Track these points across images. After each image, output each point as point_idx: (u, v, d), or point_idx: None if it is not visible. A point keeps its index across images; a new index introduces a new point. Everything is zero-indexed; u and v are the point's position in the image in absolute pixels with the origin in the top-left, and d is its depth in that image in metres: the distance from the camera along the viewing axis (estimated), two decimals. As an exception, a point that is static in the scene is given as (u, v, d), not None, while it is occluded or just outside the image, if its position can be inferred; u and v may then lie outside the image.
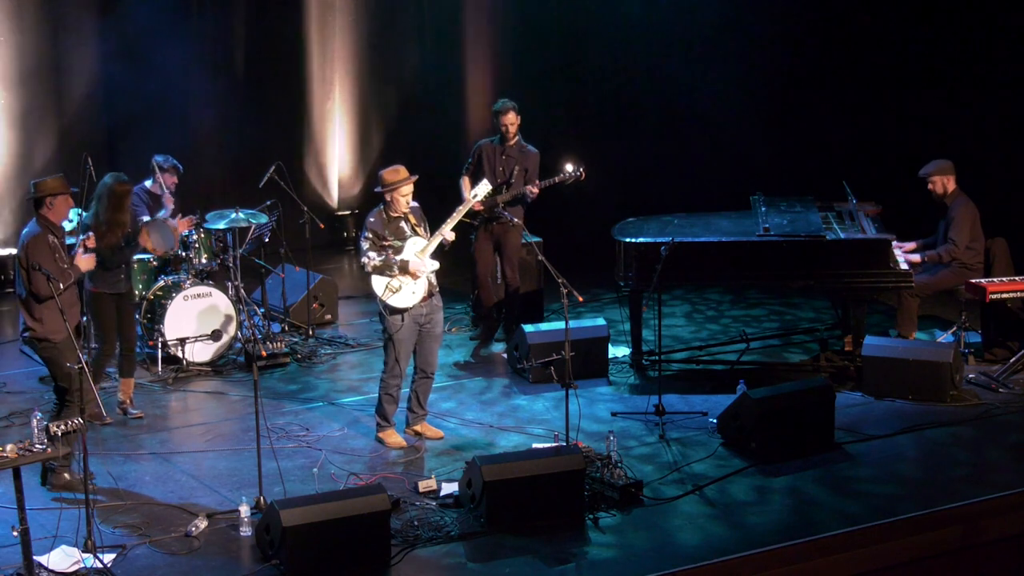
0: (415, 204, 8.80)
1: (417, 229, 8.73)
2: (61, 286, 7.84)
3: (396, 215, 8.67)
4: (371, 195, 14.73)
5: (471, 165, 10.81)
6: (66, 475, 8.03)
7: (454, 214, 8.90)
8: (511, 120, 10.66)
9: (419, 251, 8.64)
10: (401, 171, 8.66)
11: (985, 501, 7.93)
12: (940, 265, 10.39)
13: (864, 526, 7.61)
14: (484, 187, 9.27)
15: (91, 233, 8.65)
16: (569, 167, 10.65)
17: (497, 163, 10.69)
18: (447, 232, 8.75)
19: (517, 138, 10.73)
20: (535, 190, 10.56)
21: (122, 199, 9.04)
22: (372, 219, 8.70)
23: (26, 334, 8.09)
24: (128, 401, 9.41)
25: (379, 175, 8.72)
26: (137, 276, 10.46)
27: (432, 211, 9.04)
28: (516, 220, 10.21)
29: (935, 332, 10.86)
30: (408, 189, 8.65)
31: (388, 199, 8.65)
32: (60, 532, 7.22)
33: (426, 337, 8.78)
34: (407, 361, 8.78)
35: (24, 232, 8.10)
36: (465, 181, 10.73)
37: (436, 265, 8.74)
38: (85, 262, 8.28)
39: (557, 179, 10.68)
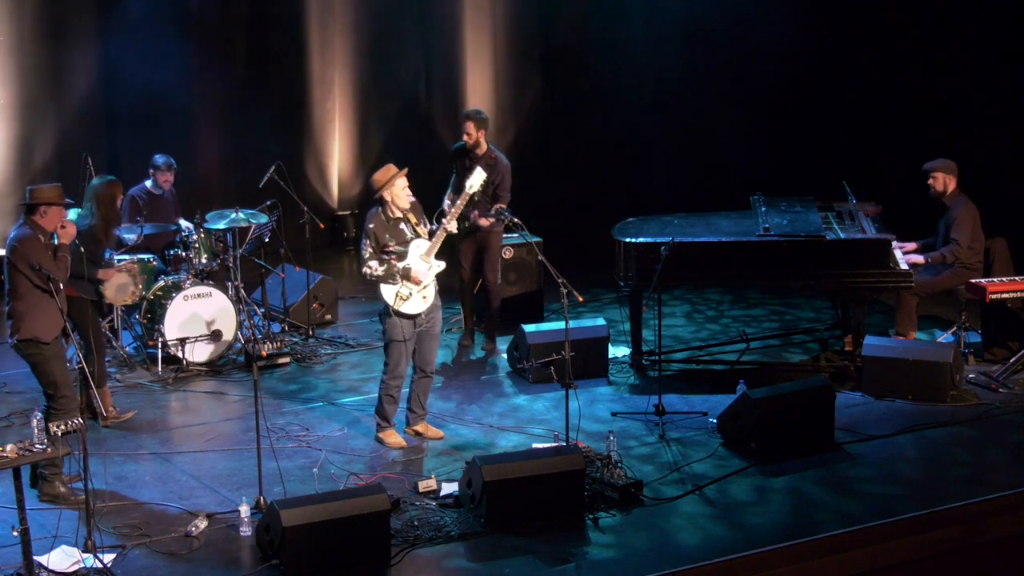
0: (414, 199, 8.75)
1: (418, 229, 8.70)
2: (61, 285, 7.76)
3: (396, 216, 8.62)
4: (371, 195, 14.84)
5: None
6: (58, 484, 7.87)
7: (454, 208, 8.89)
8: (467, 129, 10.40)
9: (423, 254, 8.62)
10: (390, 168, 8.64)
11: (985, 501, 7.92)
12: (942, 265, 10.39)
13: (864, 526, 7.60)
14: (479, 176, 8.99)
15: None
16: (493, 209, 10.36)
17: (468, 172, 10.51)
18: (451, 227, 8.73)
19: (487, 148, 10.46)
20: (485, 222, 10.39)
21: (114, 201, 9.01)
22: (372, 224, 8.61)
23: (11, 340, 7.86)
24: (112, 410, 9.18)
25: (370, 181, 8.68)
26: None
27: (431, 211, 9.01)
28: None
29: (935, 332, 10.86)
30: (403, 182, 8.61)
31: (387, 198, 8.62)
32: (60, 532, 7.21)
33: (425, 336, 8.77)
34: (408, 362, 8.77)
35: (12, 235, 7.81)
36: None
37: (442, 265, 8.71)
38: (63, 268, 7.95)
39: (489, 219, 10.46)
